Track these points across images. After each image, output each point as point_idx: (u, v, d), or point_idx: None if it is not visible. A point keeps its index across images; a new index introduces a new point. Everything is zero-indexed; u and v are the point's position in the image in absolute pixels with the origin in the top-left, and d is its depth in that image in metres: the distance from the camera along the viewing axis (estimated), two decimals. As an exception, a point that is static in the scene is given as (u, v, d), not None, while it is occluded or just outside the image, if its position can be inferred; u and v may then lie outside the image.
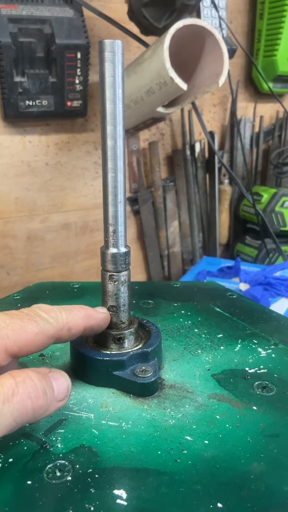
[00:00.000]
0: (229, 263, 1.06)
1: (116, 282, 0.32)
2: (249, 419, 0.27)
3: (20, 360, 0.34)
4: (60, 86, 0.87)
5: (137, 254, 1.18)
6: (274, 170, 1.25)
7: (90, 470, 0.23)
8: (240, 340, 0.38)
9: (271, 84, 1.17)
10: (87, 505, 0.21)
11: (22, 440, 0.25)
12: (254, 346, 0.37)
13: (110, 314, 0.32)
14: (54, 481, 0.22)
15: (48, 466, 0.23)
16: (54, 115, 0.91)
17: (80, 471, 0.23)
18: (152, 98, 0.79)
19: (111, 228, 0.30)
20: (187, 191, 1.17)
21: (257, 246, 1.18)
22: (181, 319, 0.43)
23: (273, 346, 0.37)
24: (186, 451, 0.25)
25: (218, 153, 1.16)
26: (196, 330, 0.40)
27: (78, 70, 0.87)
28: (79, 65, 0.86)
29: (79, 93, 0.89)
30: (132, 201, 1.13)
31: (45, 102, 0.87)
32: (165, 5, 0.74)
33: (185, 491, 0.22)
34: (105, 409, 0.28)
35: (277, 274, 0.92)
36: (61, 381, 0.25)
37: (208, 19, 0.92)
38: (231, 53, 0.92)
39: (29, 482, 0.22)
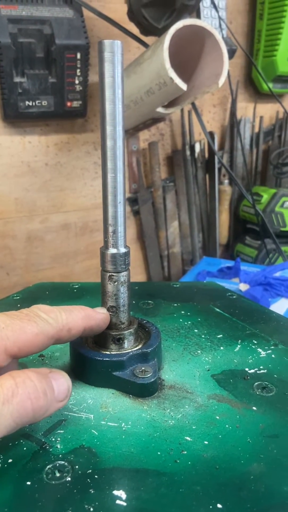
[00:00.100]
0: (229, 263, 1.06)
1: (116, 283, 0.32)
2: (248, 419, 0.27)
3: (20, 360, 0.34)
4: (59, 86, 0.87)
5: (137, 254, 1.18)
6: (274, 170, 1.25)
7: (90, 470, 0.23)
8: (240, 341, 0.38)
9: (271, 85, 1.17)
10: (86, 506, 0.21)
11: (21, 441, 0.25)
12: (254, 347, 0.37)
13: (110, 314, 0.32)
14: (53, 482, 0.22)
15: (48, 466, 0.23)
16: (54, 116, 0.91)
17: (80, 472, 0.23)
18: (152, 98, 0.79)
19: (110, 229, 0.30)
20: (187, 192, 1.17)
21: (257, 247, 1.18)
22: (180, 320, 0.43)
23: (273, 347, 0.37)
24: (185, 452, 0.25)
25: (218, 153, 1.16)
26: (196, 331, 0.40)
27: (78, 70, 0.87)
28: (78, 66, 0.86)
29: (79, 94, 0.89)
30: (132, 201, 1.13)
31: (44, 103, 0.87)
32: (165, 5, 0.74)
33: (184, 491, 0.22)
34: (105, 409, 0.28)
35: (277, 274, 0.92)
36: (61, 381, 0.25)
37: (208, 20, 0.92)
38: (231, 53, 0.92)
39: (28, 483, 0.22)
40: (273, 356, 0.36)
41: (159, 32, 0.77)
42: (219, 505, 0.21)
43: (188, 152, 1.15)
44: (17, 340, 0.25)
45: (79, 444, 0.25)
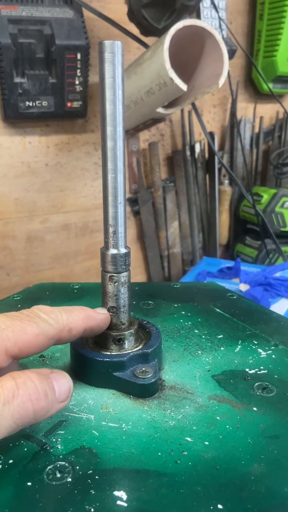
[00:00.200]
0: (229, 263, 1.06)
1: (116, 283, 0.32)
2: (249, 420, 0.27)
3: (21, 361, 0.34)
4: (60, 87, 0.87)
5: (137, 254, 1.18)
6: (274, 170, 1.25)
7: (90, 471, 0.23)
8: (240, 341, 0.38)
9: (271, 85, 1.17)
10: (87, 507, 0.21)
11: (22, 442, 0.25)
12: (254, 347, 0.37)
13: (110, 315, 0.32)
14: (54, 483, 0.22)
15: (48, 467, 0.23)
16: (54, 116, 0.91)
17: (80, 473, 0.23)
18: (152, 99, 0.79)
19: (111, 229, 0.30)
20: (187, 192, 1.17)
21: (257, 247, 1.18)
22: (181, 320, 0.43)
23: (273, 347, 0.37)
24: (186, 452, 0.25)
25: (218, 153, 1.16)
26: (196, 331, 0.40)
27: (78, 71, 0.87)
28: (79, 66, 0.86)
29: (79, 94, 0.89)
30: (132, 201, 1.13)
31: (45, 103, 0.87)
32: (165, 6, 0.74)
33: (185, 492, 0.22)
34: (105, 410, 0.28)
35: (277, 274, 0.92)
36: (62, 382, 0.25)
37: (208, 20, 0.92)
38: (231, 53, 0.92)
39: (29, 484, 0.22)
40: (273, 356, 0.36)
41: (159, 33, 0.77)
42: (219, 506, 0.21)
43: (188, 153, 1.15)
44: (18, 341, 0.25)
45: (79, 445, 0.25)
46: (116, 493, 0.22)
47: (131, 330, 0.33)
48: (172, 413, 0.28)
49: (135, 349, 0.32)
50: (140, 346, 0.33)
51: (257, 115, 1.27)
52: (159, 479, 0.23)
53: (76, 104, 0.90)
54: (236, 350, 0.37)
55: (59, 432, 0.26)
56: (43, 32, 0.82)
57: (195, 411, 0.28)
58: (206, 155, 1.19)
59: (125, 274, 0.32)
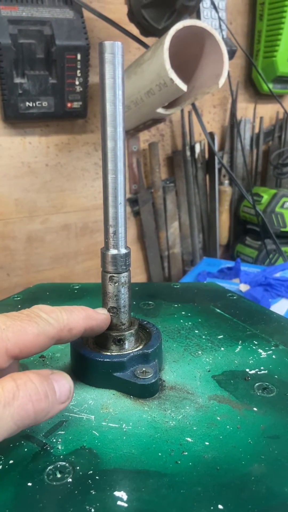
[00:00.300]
0: (229, 264, 1.06)
1: (117, 284, 0.32)
2: (249, 420, 0.27)
3: (21, 362, 0.34)
4: (60, 87, 0.87)
5: (137, 255, 1.18)
6: (274, 171, 1.25)
7: (91, 471, 0.23)
8: (240, 341, 0.38)
9: (271, 85, 1.17)
10: (87, 507, 0.21)
11: (22, 442, 0.25)
12: (254, 347, 0.37)
13: (111, 315, 0.32)
14: (54, 483, 0.22)
15: (49, 468, 0.23)
16: (54, 116, 0.91)
17: (81, 473, 0.23)
18: (152, 99, 0.79)
19: (111, 229, 0.31)
20: (187, 192, 1.17)
21: (257, 247, 1.18)
22: (181, 320, 0.43)
23: (273, 347, 0.37)
24: (186, 453, 0.25)
25: (218, 154, 1.16)
26: (196, 331, 0.40)
27: (78, 71, 0.87)
28: (79, 67, 0.86)
29: (79, 95, 0.90)
30: (132, 202, 1.13)
31: (45, 103, 0.87)
32: (165, 6, 0.74)
33: (185, 492, 0.22)
34: (106, 410, 0.28)
35: (277, 275, 0.92)
36: (63, 383, 0.25)
37: (208, 20, 0.92)
38: (231, 54, 0.92)
39: (29, 484, 0.22)
40: (273, 356, 0.36)
41: (159, 33, 0.77)
42: (220, 506, 0.21)
43: (188, 153, 1.15)
44: (18, 341, 0.25)
45: (80, 445, 0.25)
46: (116, 493, 0.22)
47: (131, 331, 0.33)
48: (173, 413, 0.28)
49: (136, 350, 0.32)
50: (141, 347, 0.33)
51: (257, 115, 1.27)
52: (160, 480, 0.23)
53: (76, 105, 0.90)
54: (236, 351, 0.37)
55: (60, 432, 0.26)
56: (43, 33, 0.82)
57: (196, 411, 0.28)
58: (206, 155, 1.19)
59: (125, 274, 0.32)
